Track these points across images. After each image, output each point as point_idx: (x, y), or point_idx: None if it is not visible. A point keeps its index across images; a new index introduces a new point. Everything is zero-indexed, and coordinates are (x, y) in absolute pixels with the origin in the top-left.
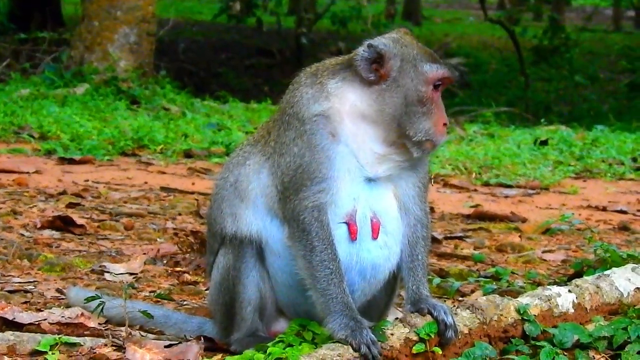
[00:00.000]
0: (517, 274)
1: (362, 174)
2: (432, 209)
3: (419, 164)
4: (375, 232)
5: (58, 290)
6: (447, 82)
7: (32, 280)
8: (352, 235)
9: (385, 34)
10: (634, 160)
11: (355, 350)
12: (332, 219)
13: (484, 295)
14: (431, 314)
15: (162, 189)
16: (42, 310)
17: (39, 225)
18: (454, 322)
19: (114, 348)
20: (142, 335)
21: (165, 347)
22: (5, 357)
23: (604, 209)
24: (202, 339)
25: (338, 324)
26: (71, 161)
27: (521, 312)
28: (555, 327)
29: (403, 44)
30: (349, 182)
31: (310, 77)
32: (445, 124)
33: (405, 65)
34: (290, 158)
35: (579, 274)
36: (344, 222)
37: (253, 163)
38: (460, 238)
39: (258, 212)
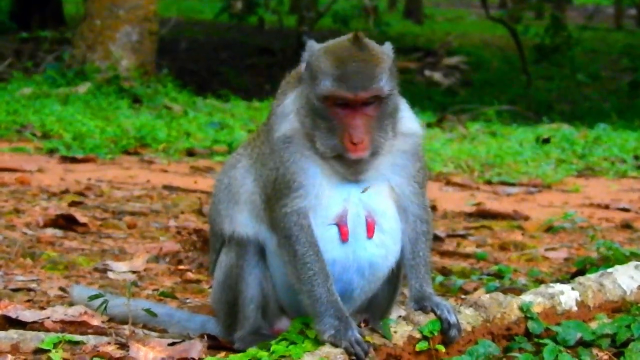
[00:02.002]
0: (519, 272)
1: (344, 178)
2: (434, 207)
3: (410, 161)
4: (370, 231)
5: (61, 289)
6: (353, 102)
7: (35, 278)
8: (343, 236)
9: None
10: (636, 158)
11: (347, 351)
12: (320, 221)
13: (487, 293)
14: (434, 312)
15: (165, 187)
16: (45, 309)
17: (41, 224)
18: (457, 320)
19: (118, 346)
20: (145, 334)
21: (169, 345)
22: (8, 355)
23: (607, 207)
24: (205, 337)
25: (324, 325)
26: (73, 160)
27: (524, 310)
28: (558, 324)
29: (328, 50)
30: (333, 186)
31: (285, 86)
32: (355, 143)
33: (309, 75)
34: (268, 171)
35: (581, 272)
36: (334, 224)
37: (242, 166)
38: (462, 236)
39: (251, 215)
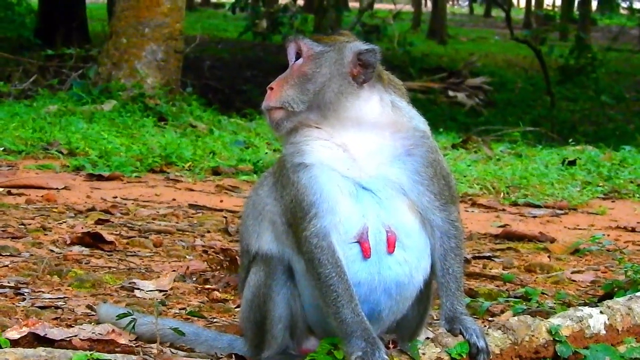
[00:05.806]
0: (546, 295)
1: (353, 183)
2: None
3: (421, 165)
4: (390, 246)
5: (88, 307)
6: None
7: (62, 296)
8: (365, 252)
9: None
10: None
11: None
12: (341, 240)
13: (515, 315)
14: (463, 336)
15: (191, 206)
16: (72, 327)
17: (68, 242)
18: (486, 345)
19: None
20: (173, 353)
21: None
22: None
23: (633, 230)
24: (233, 356)
25: (351, 347)
26: (99, 177)
27: (553, 333)
28: (586, 348)
29: None
30: (347, 200)
31: None
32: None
33: None
34: (286, 195)
35: (609, 295)
36: (355, 242)
37: (266, 184)
38: (488, 258)
39: (273, 235)
